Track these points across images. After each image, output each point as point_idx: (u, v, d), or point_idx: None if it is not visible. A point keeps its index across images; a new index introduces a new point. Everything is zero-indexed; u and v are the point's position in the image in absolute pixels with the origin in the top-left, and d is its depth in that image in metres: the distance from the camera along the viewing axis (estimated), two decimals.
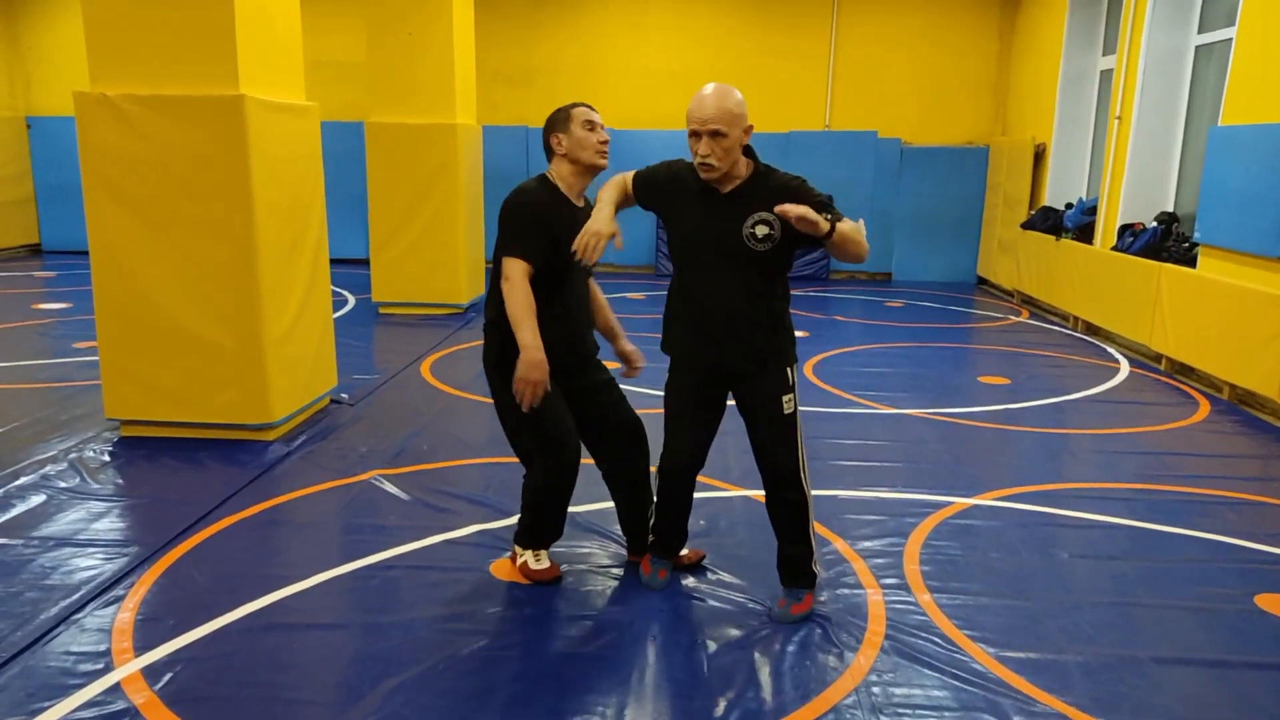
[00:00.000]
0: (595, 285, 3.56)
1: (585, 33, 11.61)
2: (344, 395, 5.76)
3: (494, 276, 3.20)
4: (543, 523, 3.40)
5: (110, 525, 3.89)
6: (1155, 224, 7.80)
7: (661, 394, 3.27)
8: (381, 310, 8.73)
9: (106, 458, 4.66)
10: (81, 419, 5.22)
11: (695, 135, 2.88)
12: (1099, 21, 9.60)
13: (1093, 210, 8.83)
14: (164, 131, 4.57)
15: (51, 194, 12.27)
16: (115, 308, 4.77)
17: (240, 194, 4.62)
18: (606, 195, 3.11)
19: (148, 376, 4.82)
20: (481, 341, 3.36)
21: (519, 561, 3.46)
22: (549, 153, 3.25)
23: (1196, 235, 7.04)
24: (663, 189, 3.12)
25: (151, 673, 2.82)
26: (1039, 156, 10.14)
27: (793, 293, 3.19)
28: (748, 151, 2.98)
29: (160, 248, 4.68)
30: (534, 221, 3.11)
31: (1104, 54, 9.51)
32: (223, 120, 4.55)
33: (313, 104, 5.28)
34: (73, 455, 4.66)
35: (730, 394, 3.19)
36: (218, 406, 4.85)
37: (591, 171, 3.25)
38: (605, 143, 3.21)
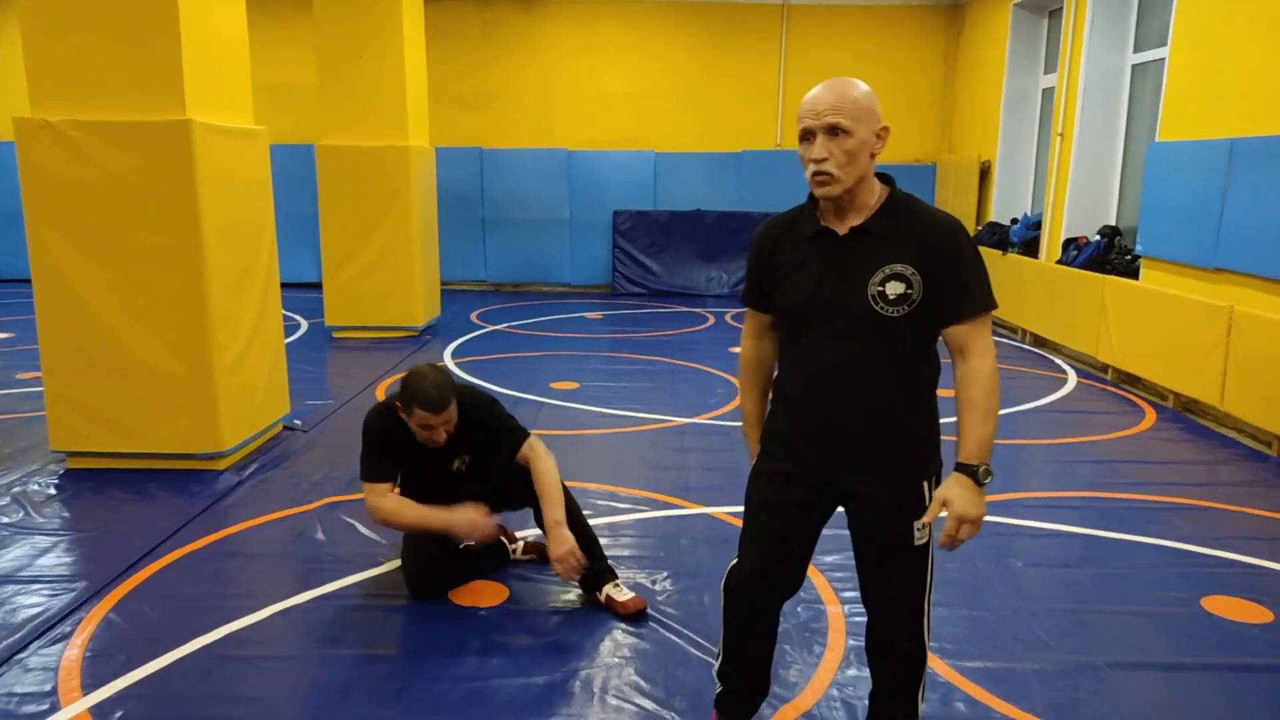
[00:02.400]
0: (540, 459, 3.40)
1: (540, 55, 11.65)
2: (297, 421, 5.67)
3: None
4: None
5: (56, 560, 3.78)
6: (1098, 237, 8.00)
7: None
8: (335, 334, 8.64)
9: (52, 491, 4.54)
10: (25, 451, 5.08)
11: (807, 137, 2.10)
12: (1040, 41, 9.86)
13: (1037, 225, 9.04)
14: (109, 158, 4.50)
15: None
16: (60, 337, 4.66)
17: (188, 220, 4.55)
18: (747, 422, 2.49)
19: (94, 407, 4.71)
20: None
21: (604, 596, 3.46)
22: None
23: (1138, 248, 7.23)
24: (775, 260, 2.27)
25: (100, 712, 2.74)
26: (984, 173, 10.36)
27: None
28: (884, 179, 2.20)
29: (106, 275, 4.59)
30: (388, 453, 3.38)
31: (1045, 73, 9.76)
32: (169, 145, 4.49)
33: (261, 127, 5.22)
34: (16, 489, 4.54)
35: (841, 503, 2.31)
36: (167, 436, 4.75)
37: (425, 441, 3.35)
38: (435, 443, 3.29)
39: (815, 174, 2.09)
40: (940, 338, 2.18)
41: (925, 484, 2.24)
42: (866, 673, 2.85)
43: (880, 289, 2.11)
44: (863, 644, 2.48)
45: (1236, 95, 6.12)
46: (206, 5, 4.67)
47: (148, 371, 4.68)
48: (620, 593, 3.42)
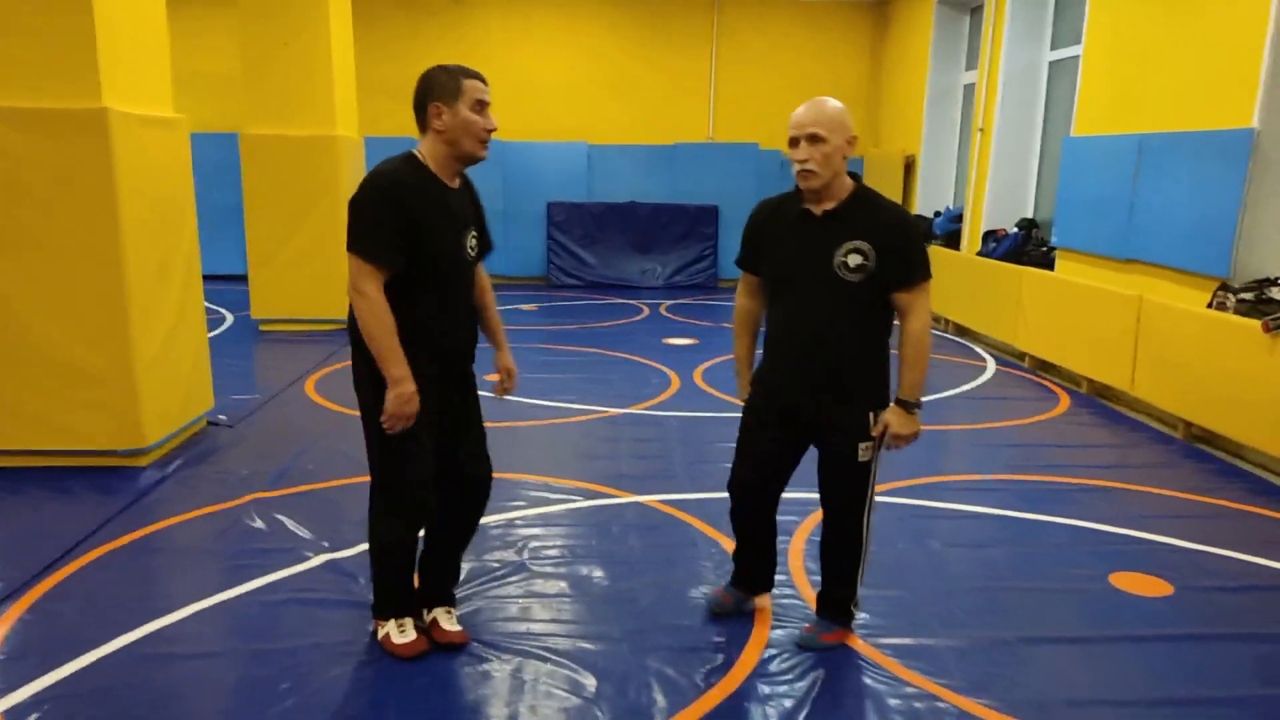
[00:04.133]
0: (486, 281, 3.11)
1: (472, 45, 11.55)
2: (222, 416, 5.57)
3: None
4: (396, 583, 3.03)
5: None
6: (1016, 230, 8.26)
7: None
8: (262, 328, 8.48)
9: None
10: None
11: (794, 143, 2.77)
12: (962, 39, 10.11)
13: (959, 218, 9.28)
14: (22, 147, 4.35)
15: None
16: None
17: (106, 211, 4.43)
18: (739, 362, 3.18)
19: (11, 402, 4.56)
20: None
21: (381, 634, 3.05)
22: (422, 123, 2.79)
23: (1053, 240, 7.49)
24: (763, 233, 2.96)
25: (14, 715, 2.67)
26: (909, 167, 10.60)
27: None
28: (853, 176, 2.85)
29: (21, 268, 4.45)
30: (391, 212, 2.66)
31: (967, 69, 10.02)
32: (85, 134, 4.36)
33: (181, 116, 5.11)
34: None
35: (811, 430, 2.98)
36: (87, 432, 4.63)
37: (467, 161, 2.82)
38: (492, 131, 2.82)
39: (800, 171, 2.76)
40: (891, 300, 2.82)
41: (872, 413, 2.89)
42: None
43: (843, 260, 2.76)
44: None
45: (1146, 92, 6.38)
46: None
47: (66, 366, 4.55)
48: (450, 622, 3.15)
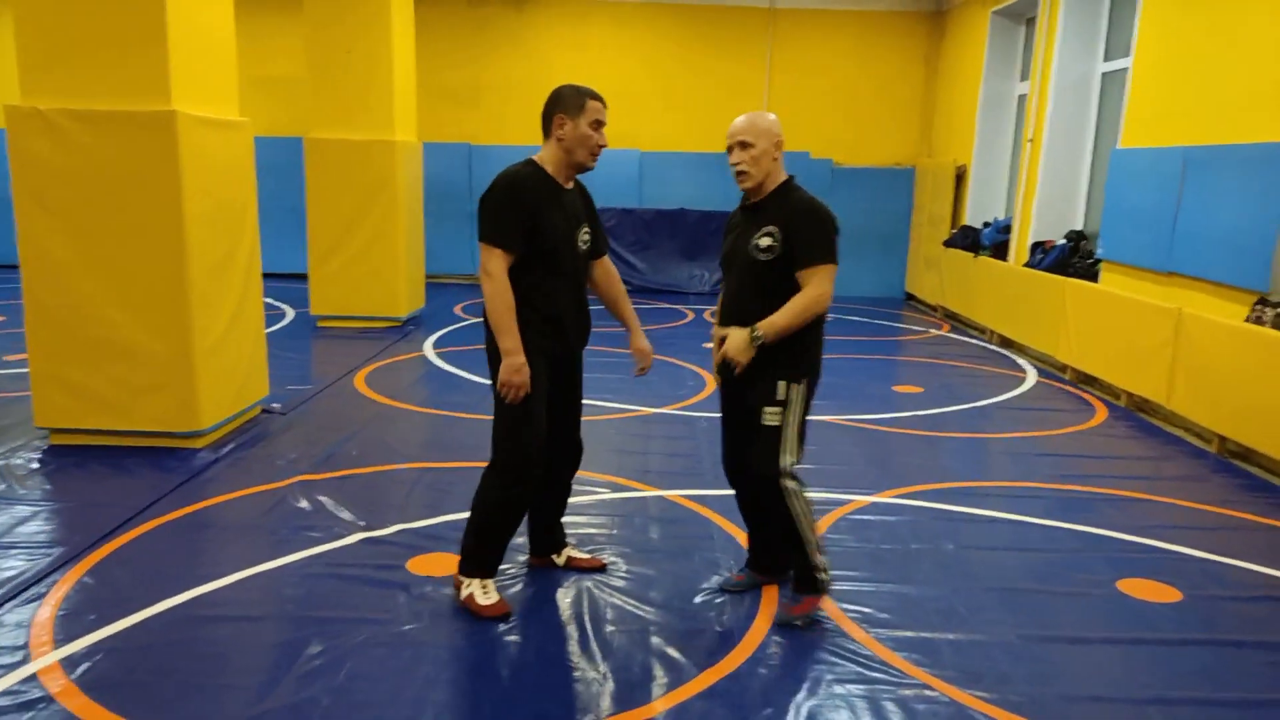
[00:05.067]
0: (615, 273, 3.60)
1: (529, 53, 11.84)
2: (275, 404, 5.87)
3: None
4: (488, 545, 3.32)
5: (35, 528, 3.98)
6: (1064, 241, 8.22)
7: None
8: (319, 323, 8.83)
9: (35, 465, 4.74)
10: (10, 428, 5.27)
11: (730, 150, 3.20)
12: (1016, 49, 10.08)
13: (1008, 229, 9.25)
14: (96, 145, 4.69)
15: None
16: (46, 317, 4.85)
17: (171, 207, 4.74)
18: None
19: (78, 384, 4.91)
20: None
21: (465, 593, 3.33)
22: (546, 129, 3.23)
23: (1099, 251, 7.45)
24: (727, 228, 3.42)
25: (69, 663, 2.93)
26: (960, 177, 10.58)
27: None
28: (790, 178, 3.24)
29: (92, 258, 4.79)
30: (513, 205, 3.09)
31: (1021, 79, 9.98)
32: (155, 135, 4.68)
33: (245, 119, 5.41)
34: (0, 463, 4.73)
35: None
36: (147, 414, 4.95)
37: (578, 169, 3.26)
38: (603, 147, 3.24)
39: (736, 174, 3.22)
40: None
41: (780, 382, 3.18)
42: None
43: (757, 243, 3.16)
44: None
45: (1193, 105, 6.34)
46: (194, 0, 4.86)
47: (130, 351, 4.87)
48: (578, 553, 3.77)
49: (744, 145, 3.16)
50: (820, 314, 3.14)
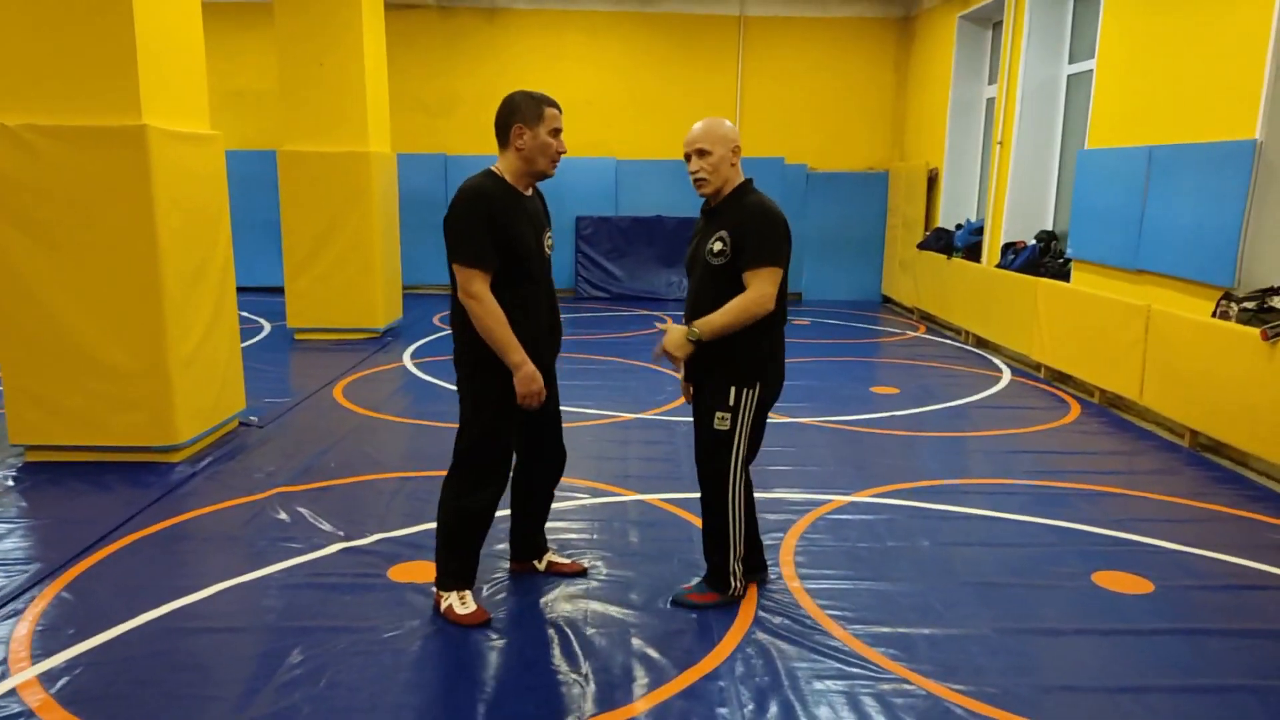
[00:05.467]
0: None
1: (504, 64, 11.87)
2: (253, 417, 5.85)
3: (452, 283, 3.14)
4: (459, 555, 3.33)
5: (12, 545, 3.95)
6: (1035, 242, 8.33)
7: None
8: (297, 336, 8.80)
9: (10, 482, 4.70)
10: None
11: (687, 157, 3.24)
12: (984, 52, 10.21)
13: (980, 230, 9.36)
14: (67, 160, 4.67)
15: None
16: (19, 333, 4.82)
17: (144, 221, 4.73)
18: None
19: (52, 401, 4.88)
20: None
21: (444, 605, 3.35)
22: (503, 139, 3.17)
23: (1069, 251, 7.56)
24: (693, 233, 3.47)
25: (48, 678, 2.92)
26: (932, 180, 10.69)
27: None
28: (747, 181, 3.30)
29: (64, 274, 4.76)
30: (482, 221, 3.03)
31: (989, 83, 10.11)
32: (125, 150, 4.67)
33: (216, 133, 5.41)
34: None
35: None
36: (123, 429, 4.92)
37: (538, 177, 3.22)
38: (562, 154, 3.22)
39: (695, 180, 3.27)
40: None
41: (732, 387, 3.24)
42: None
43: (710, 247, 3.23)
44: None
45: (1156, 105, 6.45)
46: (163, 13, 4.86)
47: (105, 366, 4.85)
48: (559, 558, 3.79)
49: (702, 153, 3.21)
50: (761, 315, 3.14)
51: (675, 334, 3.22)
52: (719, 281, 3.21)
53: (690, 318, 3.29)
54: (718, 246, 3.20)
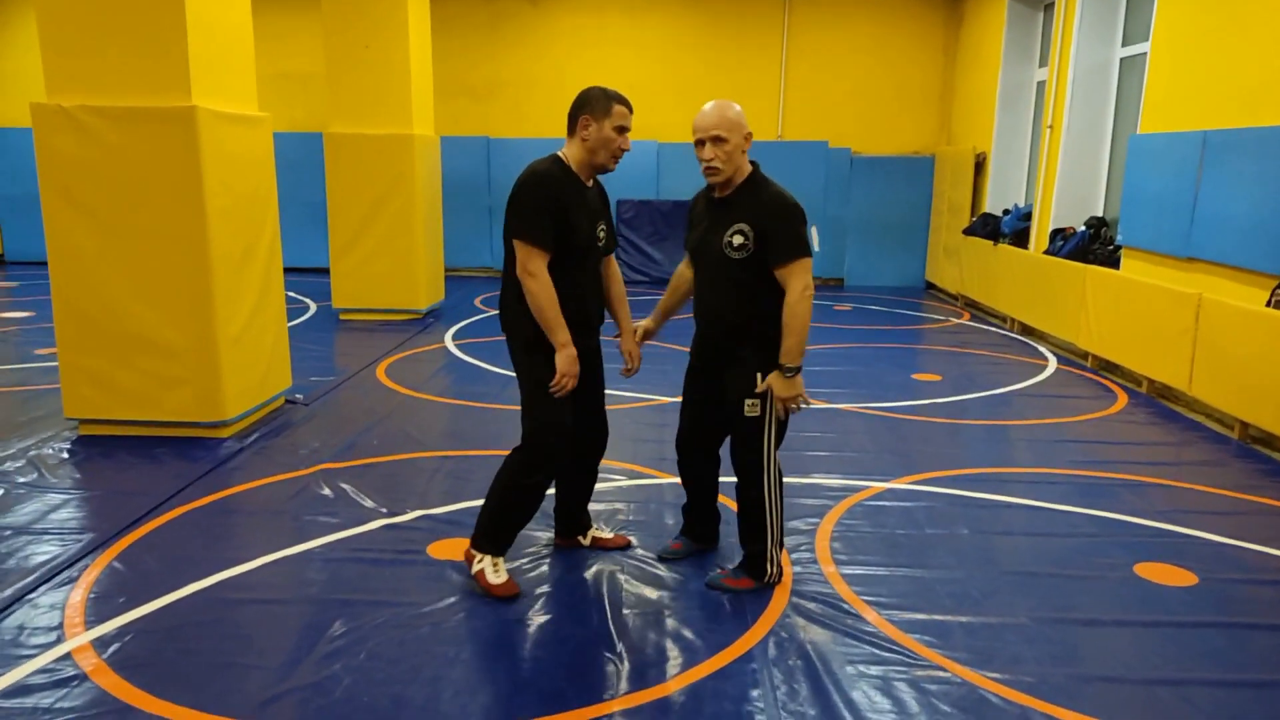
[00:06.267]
0: (618, 272, 3.62)
1: (546, 47, 11.90)
2: (298, 395, 5.96)
3: (507, 259, 3.24)
4: (505, 526, 3.39)
5: (66, 515, 4.07)
6: (1084, 228, 8.17)
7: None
8: (342, 316, 8.93)
9: (65, 455, 4.84)
10: (41, 420, 5.39)
11: (699, 144, 3.17)
12: (1035, 35, 10.01)
13: (1028, 216, 9.20)
14: (119, 141, 4.78)
15: (13, 205, 12.36)
16: (73, 311, 4.95)
17: (193, 201, 4.83)
18: (657, 309, 3.68)
19: (105, 377, 5.01)
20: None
21: (475, 569, 3.41)
22: (571, 128, 3.26)
23: (1119, 238, 7.41)
24: (692, 217, 3.46)
25: (101, 643, 3.02)
26: (980, 165, 10.52)
27: None
28: (753, 163, 3.26)
29: (116, 253, 4.88)
30: (546, 202, 3.13)
31: (1040, 66, 9.91)
32: (176, 130, 4.76)
33: (265, 114, 5.49)
34: (32, 453, 4.84)
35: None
36: (173, 405, 5.04)
37: (599, 170, 3.30)
38: (624, 151, 3.26)
39: (707, 169, 3.19)
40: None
41: (758, 374, 3.26)
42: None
43: (729, 240, 3.20)
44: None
45: (1211, 89, 6.29)
46: None
47: (155, 344, 4.97)
48: (604, 533, 3.87)
49: (718, 140, 3.13)
50: (810, 306, 3.18)
51: (779, 382, 3.20)
52: (738, 274, 3.21)
53: (705, 311, 3.33)
54: (737, 240, 3.17)
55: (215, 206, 4.91)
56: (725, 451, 3.58)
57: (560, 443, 3.33)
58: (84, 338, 4.98)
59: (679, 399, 3.60)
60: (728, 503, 4.28)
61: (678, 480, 4.57)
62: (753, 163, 3.28)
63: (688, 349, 3.58)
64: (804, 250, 3.17)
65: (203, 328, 4.96)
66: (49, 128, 4.77)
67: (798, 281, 3.16)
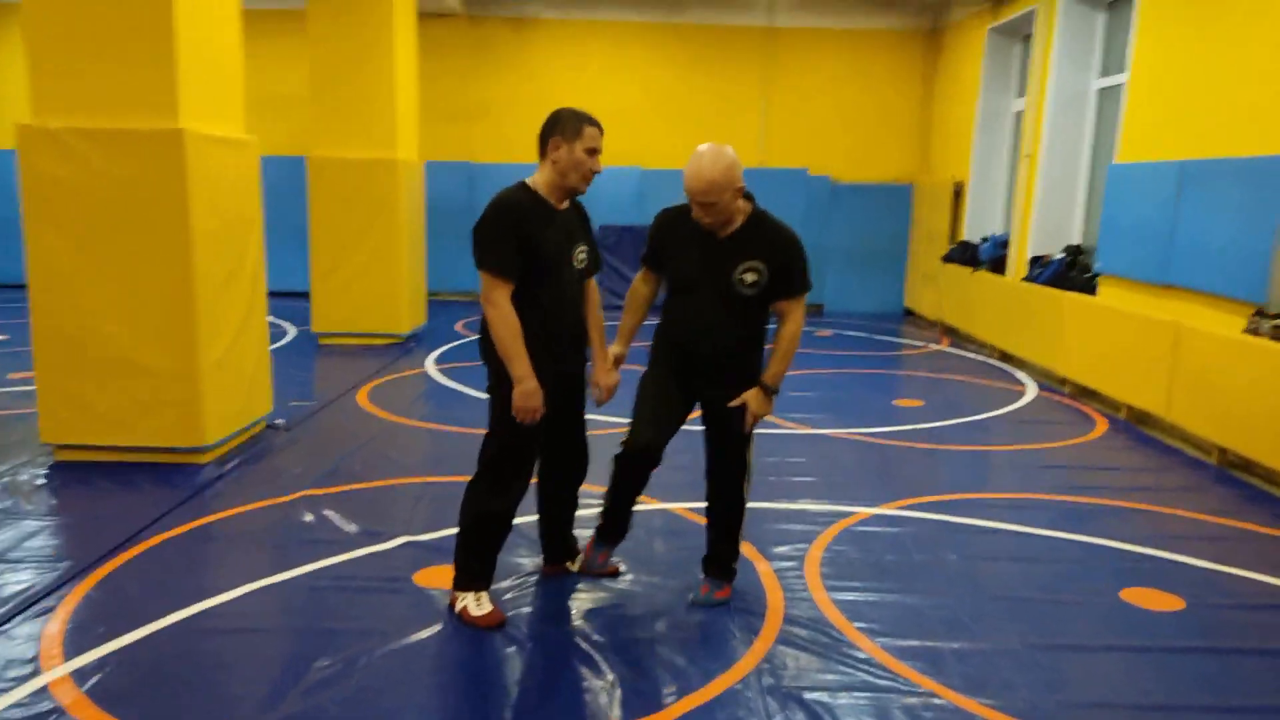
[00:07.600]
0: (596, 294, 3.53)
1: (530, 73, 11.94)
2: (280, 420, 5.89)
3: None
4: (478, 558, 3.37)
5: (43, 543, 3.99)
6: (1062, 255, 8.27)
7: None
8: (322, 340, 8.86)
9: (41, 480, 4.75)
10: (16, 445, 5.29)
11: (692, 202, 3.22)
12: (1013, 65, 10.17)
13: (1005, 244, 9.31)
14: (105, 163, 4.73)
15: None
16: (53, 333, 4.88)
17: (178, 224, 4.78)
18: (621, 332, 3.60)
19: (84, 400, 4.93)
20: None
21: (459, 606, 3.38)
22: (541, 150, 3.23)
23: (1097, 265, 7.50)
24: (665, 240, 3.43)
25: (80, 675, 2.95)
26: (958, 193, 10.65)
27: None
28: (747, 196, 3.30)
29: (98, 275, 4.82)
30: (506, 230, 3.10)
31: (1017, 96, 10.07)
32: (162, 153, 4.72)
33: (251, 137, 5.47)
34: (6, 479, 4.75)
35: (699, 402, 3.50)
36: (152, 430, 4.97)
37: (571, 192, 3.27)
38: (596, 172, 3.25)
39: (702, 221, 3.25)
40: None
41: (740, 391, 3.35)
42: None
43: (741, 277, 3.26)
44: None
45: (1188, 119, 6.41)
46: (202, 20, 4.92)
47: (136, 367, 4.90)
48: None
49: (707, 205, 3.17)
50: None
51: (759, 399, 3.34)
52: (745, 308, 3.31)
53: (704, 338, 3.34)
54: (750, 278, 3.25)
55: (201, 229, 4.87)
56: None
57: (516, 477, 3.30)
58: (63, 361, 4.90)
59: None
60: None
61: (665, 506, 4.57)
62: (748, 195, 3.30)
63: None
64: (810, 285, 3.35)
65: (185, 351, 4.90)
66: (34, 149, 4.72)
67: (799, 313, 3.35)
